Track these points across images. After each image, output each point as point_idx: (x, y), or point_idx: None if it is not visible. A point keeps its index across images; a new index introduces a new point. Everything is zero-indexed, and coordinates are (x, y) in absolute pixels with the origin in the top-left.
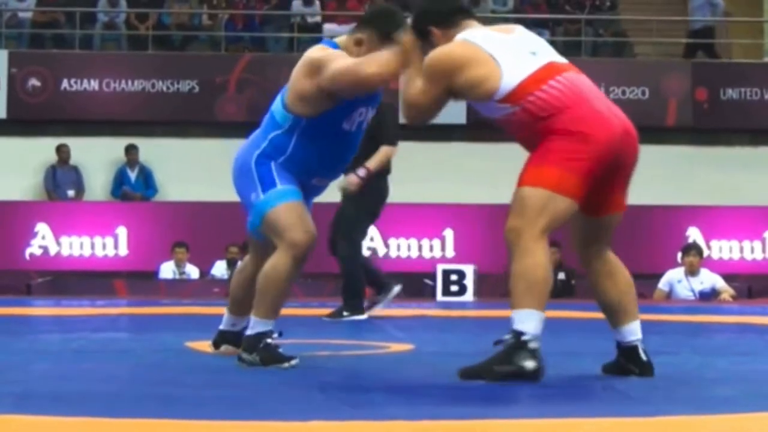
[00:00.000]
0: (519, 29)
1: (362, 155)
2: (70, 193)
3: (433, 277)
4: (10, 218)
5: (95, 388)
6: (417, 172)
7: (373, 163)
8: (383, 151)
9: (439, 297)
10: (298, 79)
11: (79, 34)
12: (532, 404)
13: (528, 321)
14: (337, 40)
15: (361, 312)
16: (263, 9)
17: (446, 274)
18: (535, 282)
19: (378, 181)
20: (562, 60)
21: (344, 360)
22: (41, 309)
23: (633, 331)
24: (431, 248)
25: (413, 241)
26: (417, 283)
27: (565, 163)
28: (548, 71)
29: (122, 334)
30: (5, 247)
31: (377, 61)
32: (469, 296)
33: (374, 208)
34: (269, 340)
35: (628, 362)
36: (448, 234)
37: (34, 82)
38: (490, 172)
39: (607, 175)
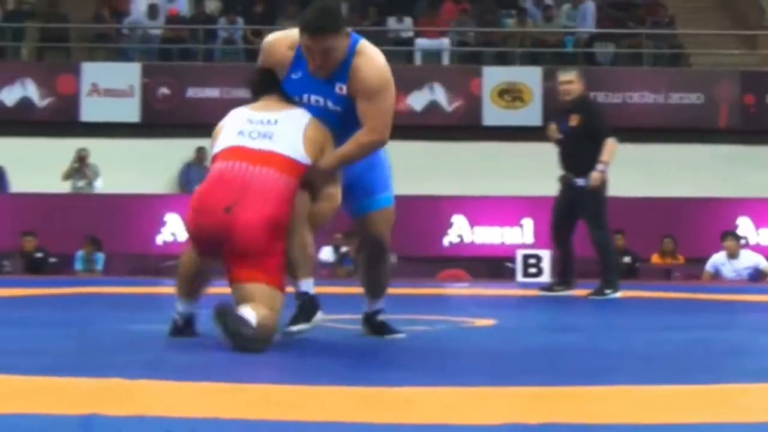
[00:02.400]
0: (282, 113)
1: (579, 154)
2: None
3: (513, 260)
4: (143, 209)
5: (217, 357)
6: (499, 169)
7: (605, 156)
8: (609, 143)
9: (519, 278)
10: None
11: (202, 48)
12: (603, 373)
13: None
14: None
15: (618, 289)
16: (361, 26)
17: (525, 258)
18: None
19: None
20: (263, 148)
21: (434, 334)
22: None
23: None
24: (512, 235)
25: (496, 229)
26: (499, 266)
27: None
28: (226, 153)
29: None
30: (141, 235)
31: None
32: (545, 277)
33: (605, 193)
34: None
35: None
36: (527, 222)
37: (163, 90)
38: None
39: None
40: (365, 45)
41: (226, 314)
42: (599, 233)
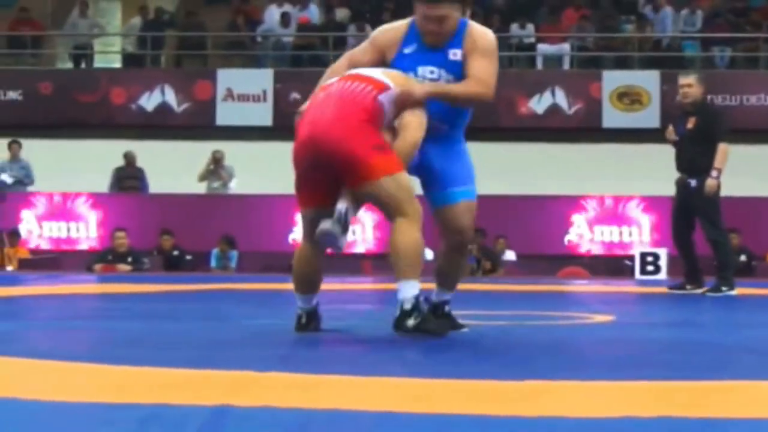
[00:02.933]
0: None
1: (694, 156)
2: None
3: (632, 258)
4: (275, 209)
5: (344, 351)
6: (618, 170)
7: (718, 162)
8: (721, 149)
9: (637, 276)
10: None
11: (331, 54)
12: (720, 368)
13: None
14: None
15: (734, 287)
16: None
17: (643, 256)
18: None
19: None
20: (352, 72)
21: (555, 329)
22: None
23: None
24: (630, 234)
25: (614, 228)
26: (618, 264)
27: None
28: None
29: (365, 305)
30: (273, 234)
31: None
32: (662, 275)
33: (719, 194)
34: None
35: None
36: (645, 221)
37: (295, 95)
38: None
39: (332, 167)
40: (473, 22)
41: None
42: (714, 231)
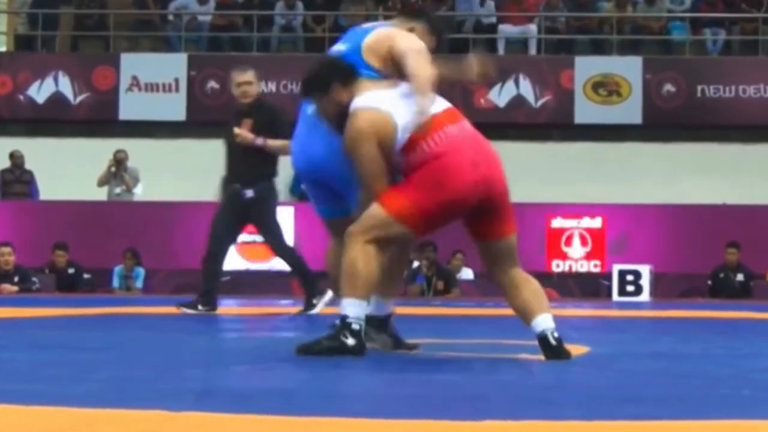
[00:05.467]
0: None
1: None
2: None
3: (609, 277)
4: (188, 218)
5: (274, 386)
6: (591, 172)
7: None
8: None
9: (615, 297)
10: None
11: (256, 37)
12: (708, 404)
13: (350, 307)
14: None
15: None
16: (436, 10)
17: (622, 274)
18: (354, 274)
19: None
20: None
21: (519, 360)
22: (220, 309)
23: (538, 324)
24: (607, 248)
25: (589, 242)
26: (593, 283)
27: (416, 200)
28: (441, 119)
29: (300, 333)
30: (185, 248)
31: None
32: (645, 296)
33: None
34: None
35: (542, 350)
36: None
37: (212, 84)
38: (665, 173)
39: (477, 212)
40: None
41: None
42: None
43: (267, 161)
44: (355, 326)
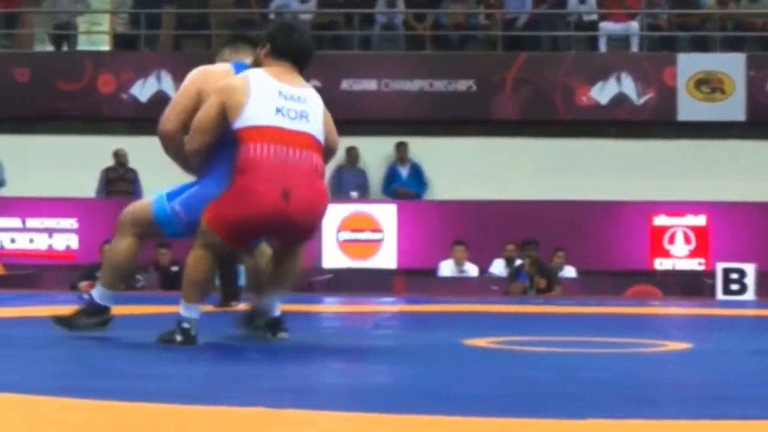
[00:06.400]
0: (304, 90)
1: None
2: (354, 194)
3: (712, 275)
4: None
5: (374, 382)
6: (694, 170)
7: None
8: None
9: (719, 296)
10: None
11: (357, 35)
12: None
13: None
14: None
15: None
16: (540, 8)
17: (726, 272)
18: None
19: None
20: (300, 129)
21: (621, 357)
22: (322, 306)
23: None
24: (710, 246)
25: (692, 239)
26: (697, 281)
27: (222, 212)
28: (267, 134)
29: (398, 331)
30: None
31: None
32: (750, 295)
33: None
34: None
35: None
36: (728, 232)
37: (314, 83)
38: None
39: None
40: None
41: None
42: None
43: None
44: (186, 325)
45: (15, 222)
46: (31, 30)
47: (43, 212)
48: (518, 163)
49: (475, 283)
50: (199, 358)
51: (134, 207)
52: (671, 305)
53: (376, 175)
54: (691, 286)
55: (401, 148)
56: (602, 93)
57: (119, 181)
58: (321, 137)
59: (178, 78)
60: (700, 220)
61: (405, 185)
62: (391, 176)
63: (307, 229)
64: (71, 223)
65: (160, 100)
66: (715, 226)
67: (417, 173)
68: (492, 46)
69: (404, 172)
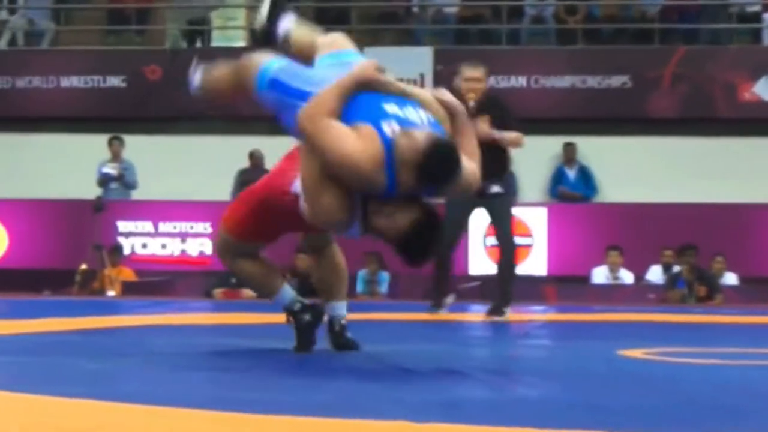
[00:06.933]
0: None
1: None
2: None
3: None
4: None
5: (523, 395)
6: None
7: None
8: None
9: None
10: None
11: (505, 29)
12: None
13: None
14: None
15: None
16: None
17: None
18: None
19: None
20: None
21: (733, 369)
22: (468, 315)
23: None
24: None
25: None
26: None
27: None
28: None
29: (549, 341)
30: None
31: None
32: None
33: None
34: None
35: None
36: None
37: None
38: None
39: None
40: None
41: None
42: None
43: (504, 155)
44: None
45: (147, 226)
46: (163, 26)
47: (175, 216)
48: (676, 164)
49: (631, 291)
50: (342, 368)
51: None
52: None
53: (526, 176)
54: None
55: (569, 148)
56: (766, 89)
57: (253, 183)
58: None
59: None
60: None
61: (572, 188)
62: (558, 178)
63: None
64: (205, 227)
65: None
66: None
67: (585, 175)
68: (647, 40)
69: (571, 174)
